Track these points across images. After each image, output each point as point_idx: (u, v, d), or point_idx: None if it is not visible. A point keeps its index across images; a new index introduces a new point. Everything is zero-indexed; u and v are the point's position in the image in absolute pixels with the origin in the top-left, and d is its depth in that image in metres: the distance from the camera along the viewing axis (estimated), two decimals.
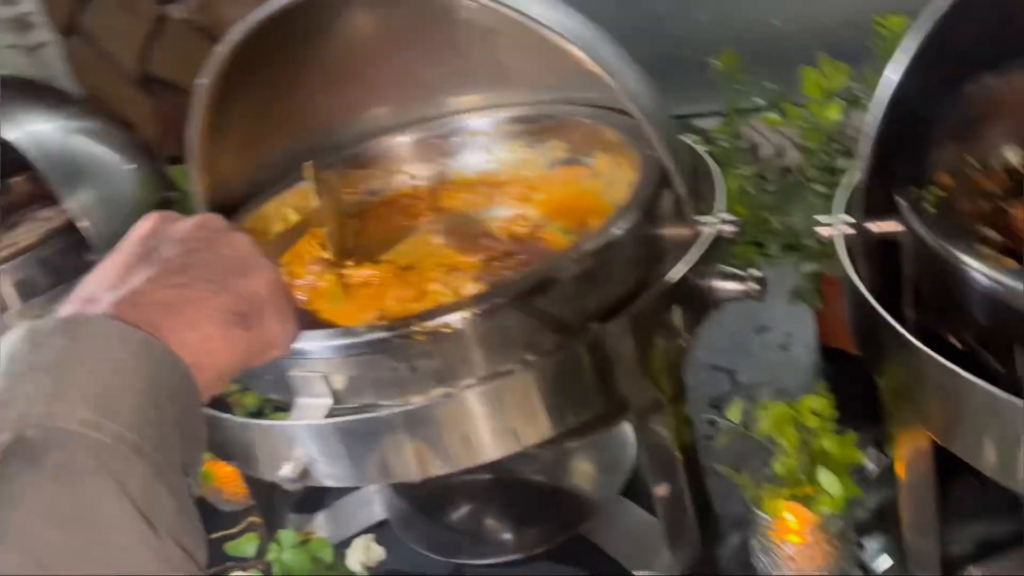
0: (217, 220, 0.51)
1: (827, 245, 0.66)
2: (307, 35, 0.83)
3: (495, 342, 0.63)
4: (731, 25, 1.31)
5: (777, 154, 0.90)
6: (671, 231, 0.72)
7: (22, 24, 1.46)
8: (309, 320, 0.76)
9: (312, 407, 0.64)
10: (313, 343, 0.63)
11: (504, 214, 0.91)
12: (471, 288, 0.74)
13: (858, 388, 0.94)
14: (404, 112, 0.97)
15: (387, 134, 0.97)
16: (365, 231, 0.94)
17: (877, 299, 0.58)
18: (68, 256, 1.01)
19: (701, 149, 0.89)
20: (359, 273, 0.81)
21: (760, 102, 0.90)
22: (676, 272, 0.68)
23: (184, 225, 0.49)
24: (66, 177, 1.00)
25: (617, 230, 0.67)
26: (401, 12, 0.85)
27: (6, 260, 0.96)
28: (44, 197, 1.07)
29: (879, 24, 0.86)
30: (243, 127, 0.88)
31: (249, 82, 0.84)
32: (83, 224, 0.99)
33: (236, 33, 0.74)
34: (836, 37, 1.23)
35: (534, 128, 0.93)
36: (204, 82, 0.80)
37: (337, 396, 0.64)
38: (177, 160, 1.57)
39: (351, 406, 0.65)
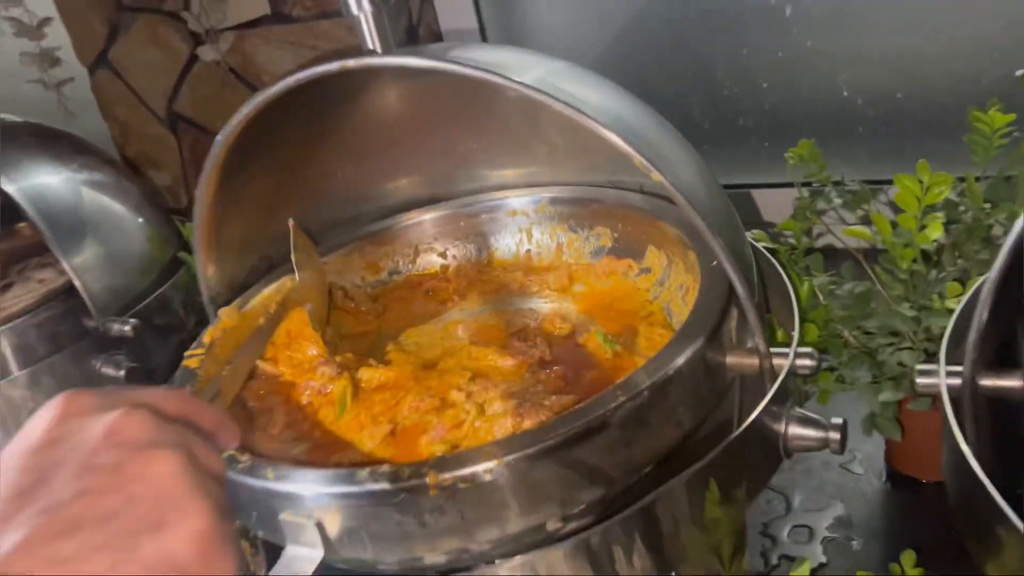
0: (138, 424, 0.36)
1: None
2: (332, 103, 0.74)
3: (524, 498, 0.52)
4: (798, 93, 1.21)
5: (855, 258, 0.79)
6: (737, 361, 0.61)
7: (48, 59, 1.41)
8: (310, 439, 0.66)
9: (299, 559, 0.54)
10: (304, 484, 0.53)
11: (540, 307, 0.81)
12: (498, 408, 0.64)
13: (932, 524, 0.83)
14: (434, 185, 0.87)
15: (414, 209, 0.88)
16: (385, 316, 0.84)
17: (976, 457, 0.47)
18: (65, 321, 0.92)
19: (763, 246, 0.79)
20: (374, 375, 0.71)
21: (837, 201, 0.79)
22: (745, 417, 0.57)
23: (93, 433, 0.35)
24: (68, 234, 0.93)
25: (679, 360, 0.56)
26: (437, 82, 0.76)
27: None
28: (44, 250, 0.99)
29: (978, 119, 0.75)
30: (257, 196, 0.79)
31: (265, 149, 0.75)
32: (81, 287, 0.91)
33: (252, 105, 0.65)
34: (917, 113, 1.13)
35: (579, 211, 0.84)
36: (219, 139, 0.71)
37: (331, 547, 0.54)
38: None
39: (348, 559, 0.55)
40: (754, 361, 0.60)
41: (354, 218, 0.88)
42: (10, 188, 0.91)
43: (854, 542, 0.81)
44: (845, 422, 0.59)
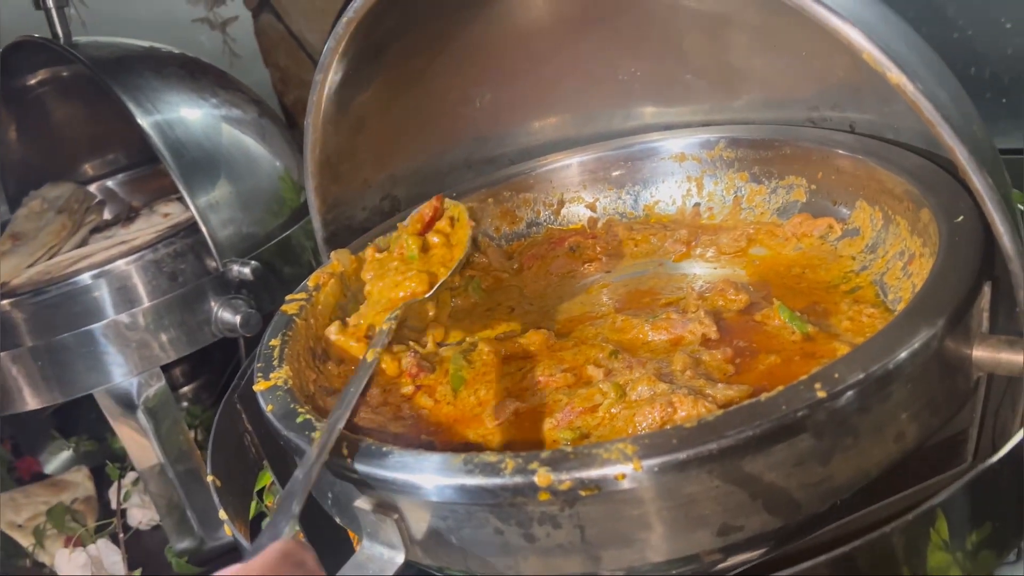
0: None
1: None
2: (462, 14, 0.62)
3: (670, 518, 0.38)
4: None
5: None
6: (989, 355, 0.43)
7: None
8: (413, 416, 0.55)
9: (376, 560, 0.42)
10: (384, 468, 0.41)
11: (707, 274, 0.65)
12: (644, 392, 0.49)
13: None
14: (584, 123, 0.73)
15: (559, 151, 0.74)
16: (519, 275, 0.71)
17: None
18: (186, 259, 0.87)
19: None
20: (499, 345, 0.59)
21: None
22: (996, 435, 0.40)
23: None
24: (196, 170, 0.87)
25: (906, 349, 0.39)
26: None
27: (115, 259, 0.83)
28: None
29: None
30: (379, 126, 0.69)
31: (388, 67, 0.64)
32: (203, 224, 0.85)
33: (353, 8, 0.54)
34: None
35: (766, 156, 0.67)
36: (325, 60, 0.60)
37: (414, 549, 0.42)
38: None
39: (435, 567, 0.43)
40: (1017, 357, 0.42)
41: (490, 159, 0.76)
42: (144, 121, 0.86)
43: None
44: None
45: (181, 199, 0.96)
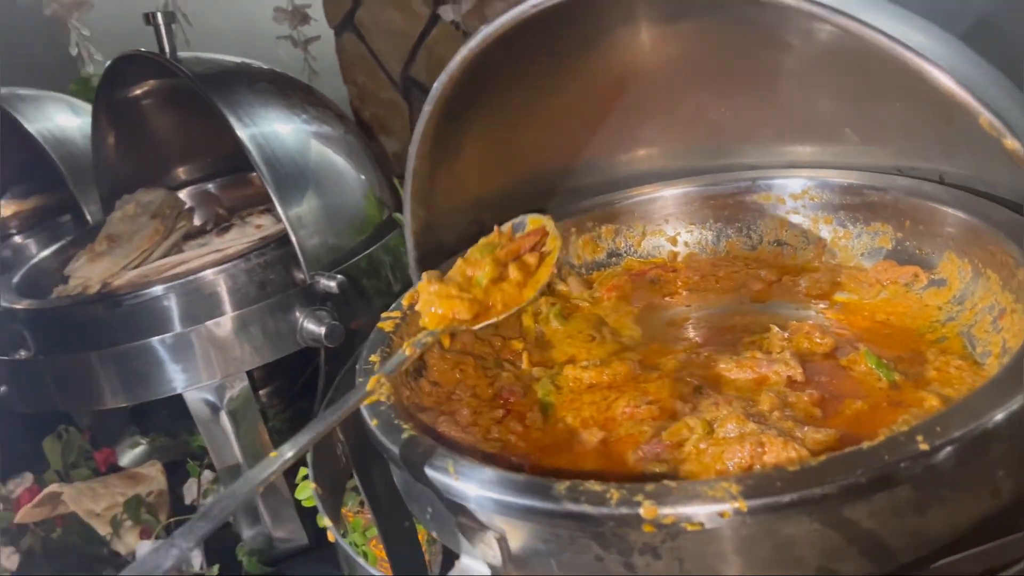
0: None
1: None
2: (566, 51, 0.64)
3: (764, 557, 0.39)
4: None
5: None
6: None
7: (300, 16, 1.44)
8: (503, 440, 0.57)
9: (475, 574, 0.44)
10: (490, 488, 0.43)
11: (790, 315, 0.66)
12: (732, 430, 0.51)
13: None
14: (670, 159, 0.75)
15: (643, 184, 0.76)
16: (599, 304, 0.73)
17: None
18: (275, 270, 0.91)
19: None
20: (583, 374, 0.61)
21: None
22: None
23: None
24: (289, 184, 0.91)
25: (1007, 408, 0.40)
26: (700, 30, 0.63)
27: (211, 267, 0.87)
28: (268, 198, 0.98)
29: None
30: (473, 154, 0.72)
31: (487, 99, 0.67)
32: (294, 237, 0.88)
33: (479, 39, 0.57)
34: None
35: (854, 201, 0.68)
36: (437, 93, 0.63)
37: (511, 568, 0.44)
38: None
39: None
40: None
41: (575, 188, 0.78)
42: (243, 134, 0.90)
43: None
44: None
45: (270, 211, 1.00)
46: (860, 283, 0.66)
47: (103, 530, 1.00)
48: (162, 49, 1.00)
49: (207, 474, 1.04)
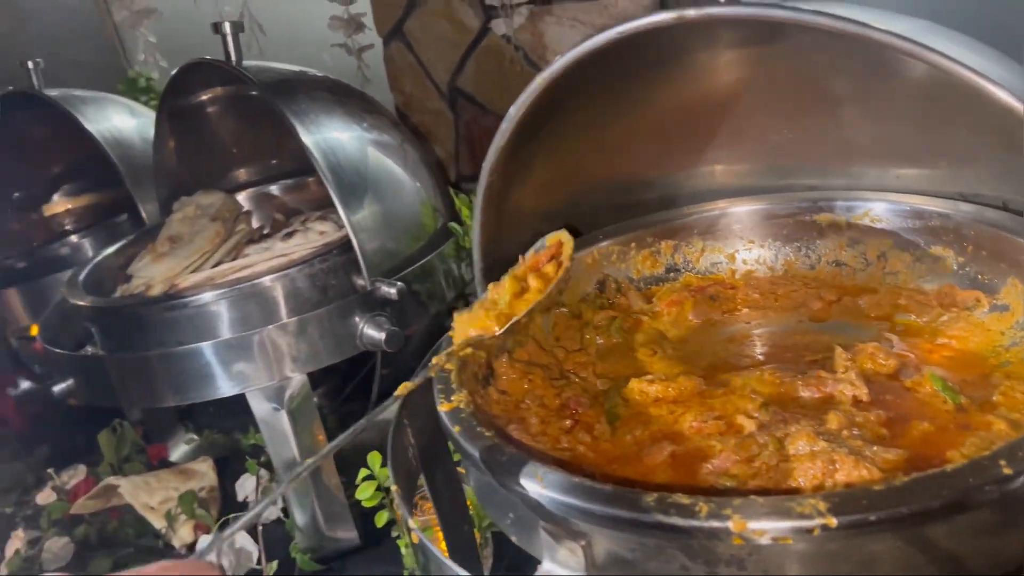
0: None
1: None
2: (640, 71, 0.66)
3: (850, 572, 0.41)
4: None
5: None
6: None
7: (355, 25, 1.47)
8: (573, 449, 0.58)
9: None
10: (579, 498, 0.45)
11: (851, 336, 0.67)
12: (803, 447, 0.52)
13: None
14: (729, 178, 0.77)
15: (703, 202, 0.78)
16: (658, 319, 0.75)
17: None
18: (336, 276, 0.93)
19: None
20: (649, 388, 0.63)
21: None
22: None
23: None
24: (351, 191, 0.93)
25: None
26: (771, 54, 0.65)
27: (276, 271, 0.89)
28: (328, 204, 1.01)
29: None
30: (540, 170, 0.74)
31: (559, 116, 0.69)
32: (357, 244, 0.91)
33: (564, 62, 0.59)
34: None
35: (915, 225, 0.69)
36: (515, 112, 0.65)
37: (596, 573, 0.46)
38: (473, 179, 1.51)
39: None
40: None
41: (634, 203, 0.80)
42: (308, 141, 0.93)
43: None
44: None
45: (327, 217, 1.02)
46: (921, 306, 0.67)
47: (158, 523, 1.03)
48: (228, 57, 1.02)
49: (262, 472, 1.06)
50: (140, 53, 1.31)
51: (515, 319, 0.65)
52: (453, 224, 1.04)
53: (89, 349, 0.93)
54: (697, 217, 0.79)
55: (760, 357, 0.68)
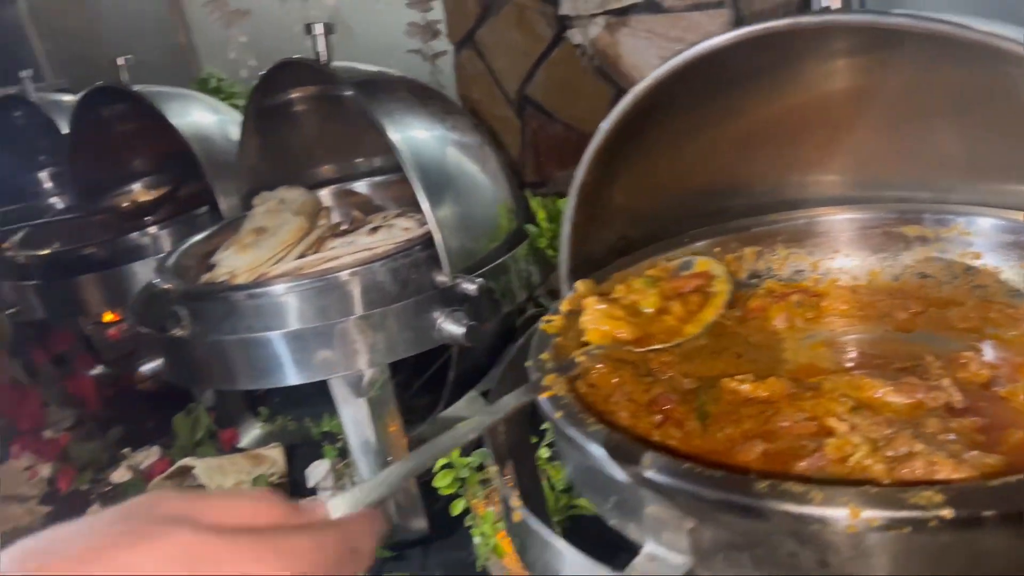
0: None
1: None
2: (743, 78, 0.68)
3: (959, 564, 0.42)
4: None
5: None
6: None
7: (430, 31, 1.51)
8: (659, 443, 0.60)
9: (662, 563, 0.47)
10: (688, 482, 0.46)
11: (940, 347, 0.68)
12: (902, 450, 0.53)
13: None
14: (829, 186, 0.78)
15: (788, 210, 0.79)
16: (745, 324, 0.76)
17: None
18: (417, 271, 0.96)
19: None
20: (739, 387, 0.64)
21: None
22: None
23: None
24: (436, 188, 0.96)
25: None
26: (880, 64, 0.65)
27: (362, 263, 0.92)
28: (411, 202, 1.04)
29: None
30: (630, 176, 0.75)
31: (655, 120, 0.70)
32: (440, 241, 0.93)
33: (669, 67, 0.60)
34: None
35: (1010, 240, 0.70)
36: (606, 127, 0.68)
37: (700, 559, 0.47)
38: (537, 185, 1.54)
39: None
40: None
41: (721, 210, 0.81)
42: (395, 138, 0.96)
43: None
44: None
45: (405, 214, 1.05)
46: (1012, 319, 0.67)
47: None
48: (318, 57, 1.06)
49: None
50: (230, 52, 1.36)
51: (656, 348, 0.68)
52: (529, 226, 1.06)
53: (178, 331, 0.97)
54: (783, 225, 0.79)
55: (848, 363, 0.69)
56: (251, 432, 1.27)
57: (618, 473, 0.48)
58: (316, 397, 1.08)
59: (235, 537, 0.38)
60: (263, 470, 1.12)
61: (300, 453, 1.19)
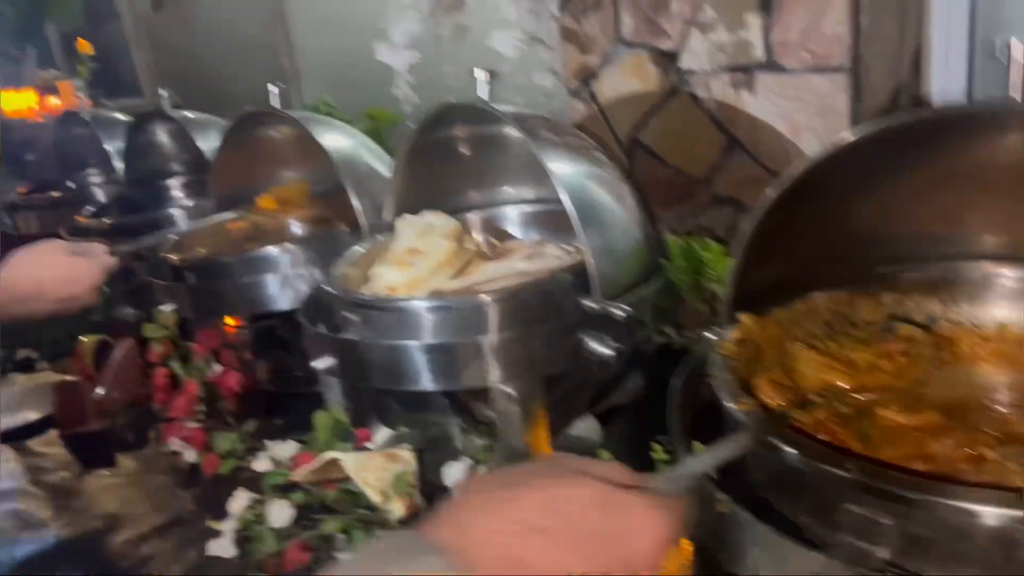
0: None
1: None
2: (929, 141, 0.76)
3: None
4: None
5: None
6: None
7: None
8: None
9: (861, 555, 0.57)
10: (894, 484, 0.56)
11: None
12: None
13: None
14: (992, 243, 0.87)
15: (955, 260, 0.88)
16: (893, 360, 0.85)
17: None
18: (564, 295, 1.06)
19: None
20: (896, 416, 0.73)
21: None
22: None
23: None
24: (587, 219, 1.06)
25: None
26: None
27: (519, 285, 1.03)
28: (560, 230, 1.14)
29: None
30: (799, 216, 0.85)
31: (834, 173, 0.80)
32: (592, 267, 1.04)
33: (858, 133, 0.70)
34: None
35: None
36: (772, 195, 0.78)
37: (893, 550, 0.56)
38: None
39: (901, 566, 0.57)
40: None
41: (881, 257, 0.91)
42: (554, 172, 1.07)
43: None
44: None
45: (560, 246, 1.16)
46: None
47: (376, 497, 1.16)
48: (481, 100, 1.18)
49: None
50: (396, 88, 1.49)
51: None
52: (664, 260, 1.16)
53: (350, 334, 1.08)
54: (918, 275, 0.89)
55: (988, 402, 0.77)
56: (381, 433, 1.37)
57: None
58: (434, 404, 1.20)
59: (628, 491, 0.51)
60: (399, 468, 1.21)
61: (427, 456, 1.28)
